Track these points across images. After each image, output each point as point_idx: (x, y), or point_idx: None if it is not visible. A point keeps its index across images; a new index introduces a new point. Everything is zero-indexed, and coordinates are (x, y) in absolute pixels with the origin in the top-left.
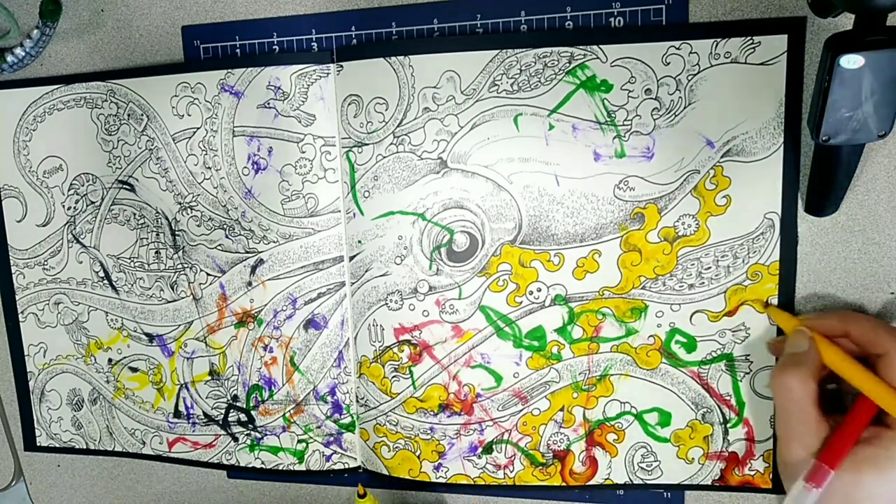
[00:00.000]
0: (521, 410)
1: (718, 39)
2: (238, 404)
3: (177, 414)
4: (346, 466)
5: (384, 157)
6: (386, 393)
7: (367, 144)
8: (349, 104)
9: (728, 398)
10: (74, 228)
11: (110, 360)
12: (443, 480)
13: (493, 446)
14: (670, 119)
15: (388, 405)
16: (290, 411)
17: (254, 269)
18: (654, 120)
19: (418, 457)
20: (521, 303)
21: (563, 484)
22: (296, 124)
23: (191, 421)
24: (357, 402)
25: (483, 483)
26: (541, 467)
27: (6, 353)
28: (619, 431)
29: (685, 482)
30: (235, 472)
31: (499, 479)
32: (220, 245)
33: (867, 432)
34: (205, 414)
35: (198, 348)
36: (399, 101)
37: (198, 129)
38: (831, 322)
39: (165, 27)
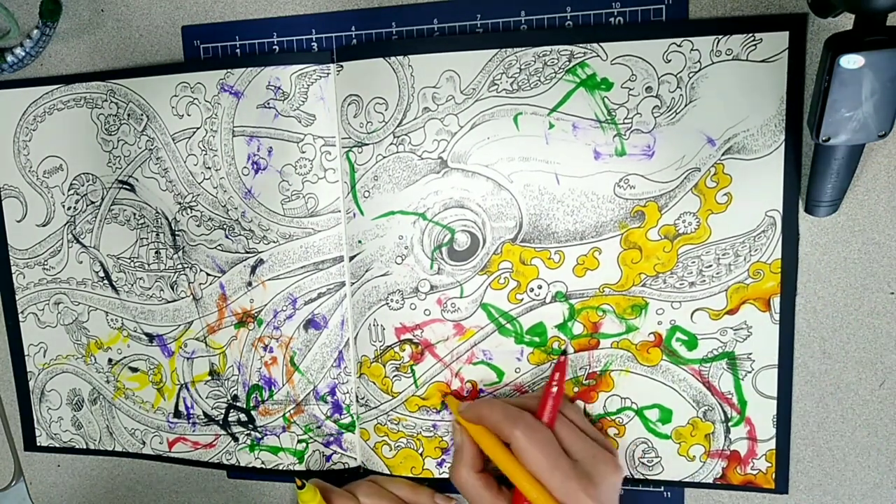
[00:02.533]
0: None
1: (719, 36)
2: (238, 404)
3: (177, 414)
4: (347, 466)
5: (384, 157)
6: (387, 392)
7: (367, 144)
8: (349, 104)
9: (730, 396)
10: (74, 228)
11: (110, 360)
12: (446, 476)
13: None
14: (671, 117)
15: (389, 404)
16: (290, 411)
17: (254, 269)
18: (655, 118)
19: (421, 454)
20: (522, 300)
21: None
22: (296, 124)
23: (191, 421)
24: (357, 401)
25: None
26: None
27: (6, 353)
28: (620, 426)
29: (686, 479)
30: (235, 472)
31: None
32: (220, 245)
33: None
34: (205, 414)
35: (198, 348)
36: (399, 100)
37: (197, 129)
38: (472, 414)
39: (165, 27)
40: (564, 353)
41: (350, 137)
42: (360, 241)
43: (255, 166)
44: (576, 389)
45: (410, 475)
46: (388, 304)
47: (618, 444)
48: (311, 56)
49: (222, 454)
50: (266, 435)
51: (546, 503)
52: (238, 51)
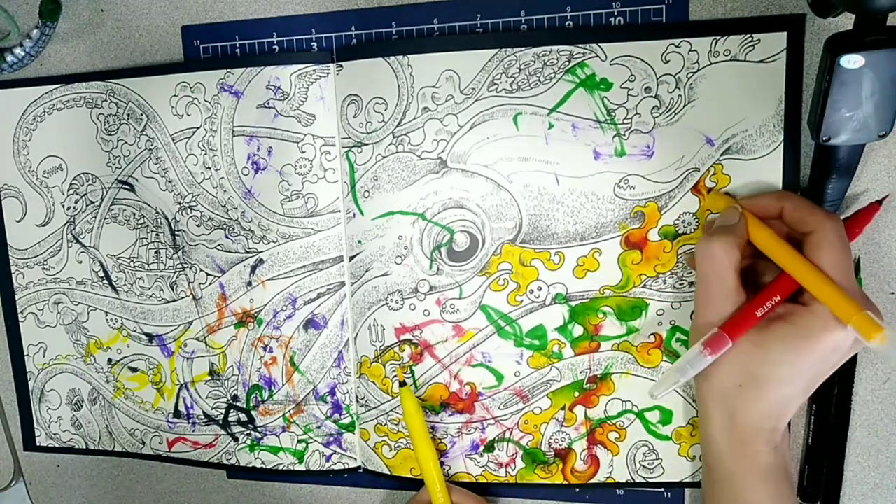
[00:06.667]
0: (522, 409)
1: (718, 37)
2: (238, 404)
3: (177, 414)
4: (346, 466)
5: (384, 157)
6: (387, 392)
7: (366, 144)
8: (349, 104)
9: None
10: (74, 228)
11: (110, 360)
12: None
13: (495, 445)
14: (670, 117)
15: (389, 405)
16: (290, 411)
17: (254, 269)
18: (654, 118)
19: None
20: (521, 302)
21: (565, 482)
22: (296, 124)
23: (191, 421)
24: (357, 402)
25: (485, 481)
26: (542, 465)
27: (6, 353)
28: (621, 430)
29: (686, 480)
30: (235, 472)
31: (500, 477)
32: (219, 245)
33: (782, 309)
34: (205, 414)
35: (198, 348)
36: (398, 100)
37: (197, 128)
38: (766, 202)
39: (165, 27)
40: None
41: (350, 137)
42: (359, 241)
43: (254, 166)
44: (576, 394)
45: (410, 476)
46: (387, 304)
47: (618, 448)
48: (310, 56)
49: (222, 454)
50: (266, 435)
51: (850, 306)
52: (238, 51)
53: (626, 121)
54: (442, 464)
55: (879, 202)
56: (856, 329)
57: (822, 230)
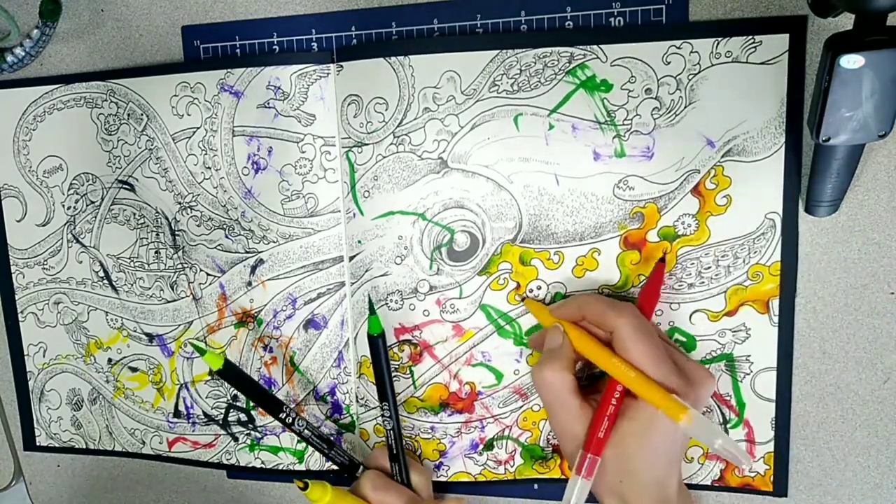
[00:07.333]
0: (521, 407)
1: (719, 39)
2: (238, 404)
3: (177, 414)
4: (346, 466)
5: (384, 157)
6: None
7: (367, 144)
8: (349, 104)
9: (728, 398)
10: (74, 228)
11: (110, 359)
12: (444, 479)
13: (494, 443)
14: (670, 118)
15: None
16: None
17: (254, 269)
18: (655, 119)
19: (419, 456)
20: (521, 301)
21: (563, 477)
22: (296, 124)
23: (191, 421)
24: (357, 402)
25: (484, 479)
26: (540, 461)
27: (6, 353)
28: None
29: (684, 481)
30: (235, 472)
31: (499, 474)
32: (219, 245)
33: (626, 405)
34: (205, 414)
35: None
36: (399, 101)
37: (197, 128)
38: (570, 310)
39: (165, 27)
40: (663, 258)
41: (350, 137)
42: (359, 241)
43: (255, 166)
44: None
45: None
46: (387, 304)
47: None
48: (311, 56)
49: (222, 454)
50: (266, 435)
51: (657, 393)
52: (238, 51)
53: (626, 122)
54: (441, 464)
55: (662, 259)
56: (666, 414)
57: (620, 329)
